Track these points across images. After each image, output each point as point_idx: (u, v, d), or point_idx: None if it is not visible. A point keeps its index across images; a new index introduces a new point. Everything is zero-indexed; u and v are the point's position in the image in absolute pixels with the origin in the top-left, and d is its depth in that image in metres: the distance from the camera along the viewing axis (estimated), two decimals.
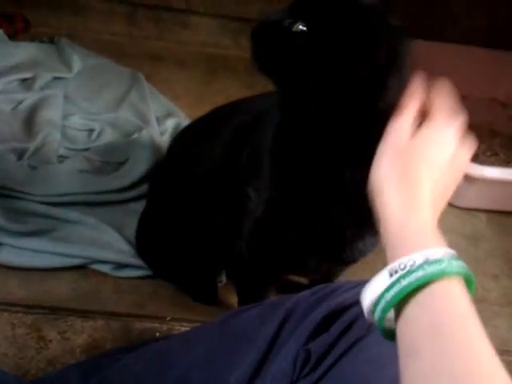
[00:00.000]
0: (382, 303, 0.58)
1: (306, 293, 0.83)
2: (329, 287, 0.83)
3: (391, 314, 0.60)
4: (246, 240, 1.02)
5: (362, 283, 0.75)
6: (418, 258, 0.58)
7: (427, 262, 0.57)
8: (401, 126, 0.68)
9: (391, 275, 0.58)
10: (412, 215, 0.63)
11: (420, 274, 0.56)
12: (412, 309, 0.57)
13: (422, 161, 0.66)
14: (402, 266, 0.58)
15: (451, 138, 0.69)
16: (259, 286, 1.13)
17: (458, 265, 0.58)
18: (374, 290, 0.60)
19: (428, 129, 0.68)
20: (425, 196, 0.65)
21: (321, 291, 0.82)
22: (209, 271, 1.30)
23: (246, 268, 1.10)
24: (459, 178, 0.71)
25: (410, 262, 0.57)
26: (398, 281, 0.57)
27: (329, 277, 1.25)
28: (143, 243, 1.33)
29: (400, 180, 0.65)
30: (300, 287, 1.28)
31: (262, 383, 0.75)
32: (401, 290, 0.57)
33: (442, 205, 0.68)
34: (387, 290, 0.58)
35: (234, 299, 1.27)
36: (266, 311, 0.82)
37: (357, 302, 0.74)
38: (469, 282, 0.59)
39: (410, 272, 0.57)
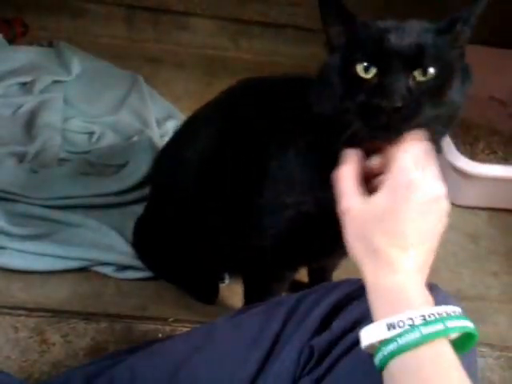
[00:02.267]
0: (380, 356, 0.61)
1: (307, 291, 0.84)
2: (330, 285, 0.85)
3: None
4: (272, 243, 1.02)
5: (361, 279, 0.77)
6: (416, 317, 0.61)
7: (426, 323, 0.60)
8: (345, 200, 0.70)
9: (389, 329, 0.61)
10: (395, 277, 0.64)
11: (417, 334, 0.59)
12: (400, 366, 0.60)
13: (379, 230, 0.66)
14: (401, 324, 0.60)
15: (404, 198, 0.66)
16: (276, 284, 1.13)
17: (453, 324, 0.61)
18: (371, 337, 0.63)
19: (378, 197, 0.68)
20: (405, 259, 0.65)
21: (322, 289, 0.83)
22: (208, 270, 1.30)
23: (265, 267, 1.09)
24: (439, 220, 0.69)
25: (409, 322, 0.60)
26: (395, 338, 0.60)
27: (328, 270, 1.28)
28: (141, 244, 1.33)
29: (368, 252, 0.66)
30: (301, 286, 1.28)
31: (265, 382, 0.76)
32: (399, 347, 0.60)
33: (429, 256, 0.67)
34: (386, 343, 0.61)
35: (236, 300, 1.28)
36: (269, 310, 0.82)
37: (358, 297, 0.75)
38: (469, 334, 0.63)
39: (407, 331, 0.60)
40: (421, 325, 0.60)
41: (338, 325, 0.75)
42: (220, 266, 1.28)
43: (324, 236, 0.95)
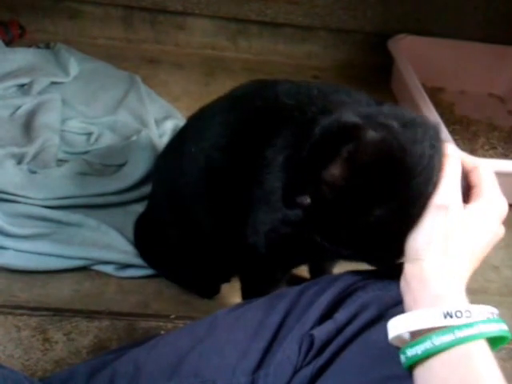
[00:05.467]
0: (435, 339, 0.61)
1: (309, 283, 0.84)
2: (331, 276, 0.85)
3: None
4: (266, 242, 1.01)
5: (364, 271, 0.77)
6: (476, 311, 0.62)
7: (487, 320, 0.62)
8: (450, 195, 0.71)
9: (445, 317, 0.62)
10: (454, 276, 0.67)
11: (480, 329, 0.61)
12: (446, 360, 0.61)
13: (466, 231, 0.70)
14: (459, 314, 0.62)
15: (496, 217, 0.73)
16: (272, 282, 1.13)
17: (504, 326, 0.64)
18: (420, 322, 0.63)
19: (480, 203, 0.72)
20: (463, 264, 0.68)
21: (324, 280, 0.83)
22: (208, 267, 1.29)
23: (259, 265, 1.09)
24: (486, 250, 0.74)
25: (467, 314, 0.62)
26: (458, 327, 0.61)
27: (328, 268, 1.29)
28: (142, 242, 1.34)
29: (443, 247, 0.68)
30: (303, 281, 1.28)
31: (266, 373, 0.76)
32: (460, 339, 0.60)
33: (473, 267, 0.71)
34: (445, 331, 0.61)
35: (237, 296, 1.27)
36: (271, 301, 0.82)
37: (361, 288, 0.76)
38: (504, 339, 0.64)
39: (469, 324, 0.61)
40: (481, 321, 0.61)
41: (340, 315, 0.75)
42: (220, 264, 1.28)
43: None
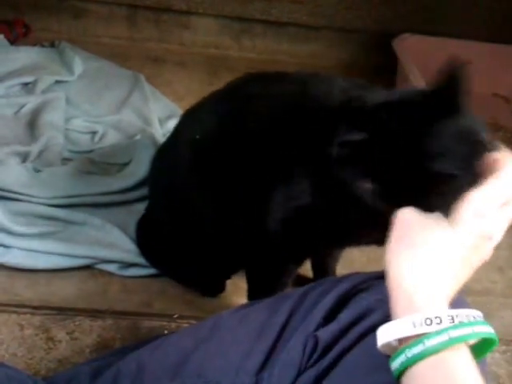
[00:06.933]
0: (403, 358, 0.59)
1: (313, 284, 0.84)
2: (336, 278, 0.85)
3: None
4: (277, 230, 1.01)
5: (367, 273, 0.76)
6: (444, 317, 0.59)
7: (455, 326, 0.59)
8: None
9: (414, 326, 0.59)
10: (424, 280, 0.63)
11: (445, 337, 0.58)
12: (426, 369, 0.59)
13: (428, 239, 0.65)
14: (428, 322, 0.59)
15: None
16: (283, 275, 1.12)
17: (483, 328, 0.61)
18: (393, 333, 0.61)
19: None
20: (436, 265, 0.65)
21: (328, 282, 0.83)
22: (212, 264, 1.29)
23: (272, 255, 1.08)
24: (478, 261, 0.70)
25: (437, 320, 0.59)
26: (421, 340, 0.58)
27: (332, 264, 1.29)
28: (144, 242, 1.35)
29: (408, 254, 0.65)
30: (306, 281, 1.28)
31: (270, 373, 0.76)
32: (426, 350, 0.58)
33: (461, 277, 0.67)
34: (411, 345, 0.59)
35: (240, 296, 1.28)
36: (275, 303, 0.82)
37: (365, 289, 0.75)
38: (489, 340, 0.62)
39: (435, 334, 0.58)
40: (450, 328, 0.59)
41: (345, 316, 0.75)
42: (221, 259, 1.28)
43: (329, 225, 0.95)
